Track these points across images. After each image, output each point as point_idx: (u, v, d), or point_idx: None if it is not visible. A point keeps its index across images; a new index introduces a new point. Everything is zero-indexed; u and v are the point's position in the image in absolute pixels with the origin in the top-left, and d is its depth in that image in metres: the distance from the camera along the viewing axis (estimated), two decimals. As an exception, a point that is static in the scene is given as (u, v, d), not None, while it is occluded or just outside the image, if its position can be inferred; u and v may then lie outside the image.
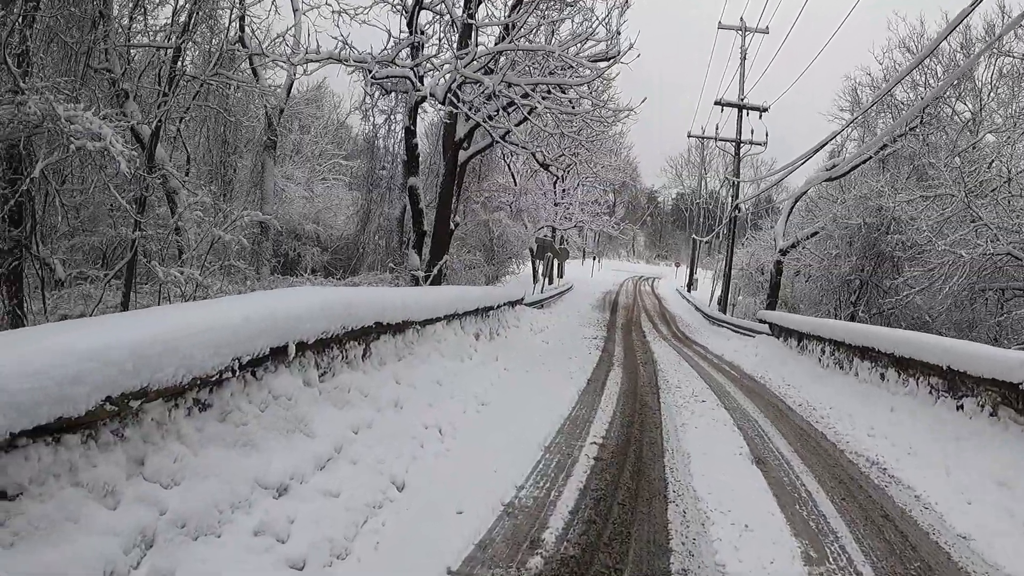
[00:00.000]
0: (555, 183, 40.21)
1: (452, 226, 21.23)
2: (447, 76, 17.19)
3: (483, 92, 17.32)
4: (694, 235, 70.49)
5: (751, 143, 35.00)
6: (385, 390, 8.24)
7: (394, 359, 9.34)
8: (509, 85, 16.48)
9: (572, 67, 17.26)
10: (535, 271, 43.88)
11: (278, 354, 6.24)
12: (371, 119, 27.67)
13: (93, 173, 14.07)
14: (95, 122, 11.33)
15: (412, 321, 10.16)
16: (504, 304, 18.28)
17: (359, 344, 8.29)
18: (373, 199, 28.74)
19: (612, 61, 16.42)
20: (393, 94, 23.07)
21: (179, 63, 16.43)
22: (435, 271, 19.67)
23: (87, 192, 14.78)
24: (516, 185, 37.78)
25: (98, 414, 4.11)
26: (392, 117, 27.84)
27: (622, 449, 8.30)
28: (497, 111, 18.66)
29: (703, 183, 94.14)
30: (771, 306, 28.73)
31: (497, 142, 20.33)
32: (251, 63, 22.08)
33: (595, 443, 8.48)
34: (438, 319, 11.60)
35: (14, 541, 3.55)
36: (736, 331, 27.42)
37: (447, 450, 7.72)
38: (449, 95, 17.26)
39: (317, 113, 37.56)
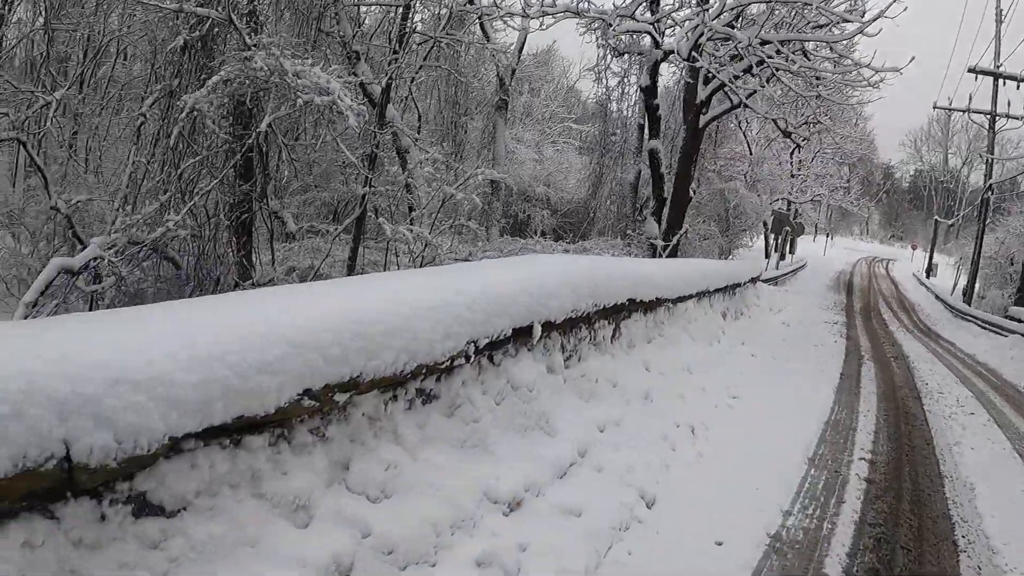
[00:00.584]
0: (792, 153, 37.58)
1: (691, 194, 20.01)
2: (692, 31, 16.00)
3: (731, 49, 16.06)
4: (936, 217, 64.44)
5: (1008, 116, 30.71)
6: (634, 378, 7.30)
7: (643, 341, 8.39)
8: (763, 42, 14.98)
9: (824, 24, 15.52)
10: (767, 245, 41.49)
11: (520, 335, 5.40)
12: (604, 81, 26.72)
13: (325, 130, 14.14)
14: (323, 77, 11.20)
15: (664, 298, 9.22)
16: (747, 281, 16.95)
17: (609, 323, 7.37)
18: (605, 163, 28.02)
19: (879, 14, 14.42)
20: (626, 56, 22.22)
21: (408, 21, 16.24)
22: (674, 241, 18.57)
23: (319, 149, 14.89)
24: (751, 154, 35.69)
25: (293, 411, 3.43)
26: (625, 80, 27.00)
27: (895, 470, 7.07)
28: (742, 71, 17.14)
29: (945, 160, 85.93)
30: (1021, 302, 25.35)
31: (738, 106, 18.82)
32: (481, 24, 21.82)
33: (863, 459, 7.30)
34: (690, 296, 10.61)
35: (169, 570, 2.82)
36: (984, 327, 24.17)
37: (699, 455, 6.59)
38: (694, 52, 16.07)
39: (547, 76, 37.23)
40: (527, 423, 5.24)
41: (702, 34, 15.60)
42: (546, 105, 36.35)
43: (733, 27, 15.51)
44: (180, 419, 2.87)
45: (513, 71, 23.61)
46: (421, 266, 11.84)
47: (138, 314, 4.00)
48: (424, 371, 4.30)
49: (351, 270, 12.38)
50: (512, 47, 23.62)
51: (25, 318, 10.78)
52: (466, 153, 22.75)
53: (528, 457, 4.90)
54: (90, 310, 11.66)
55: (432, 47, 19.48)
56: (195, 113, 11.22)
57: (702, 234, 29.64)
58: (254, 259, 11.99)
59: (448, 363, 4.50)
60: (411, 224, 13.19)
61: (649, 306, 8.67)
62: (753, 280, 18.53)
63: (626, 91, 27.44)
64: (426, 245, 11.93)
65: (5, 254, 15.98)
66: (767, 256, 39.45)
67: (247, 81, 11.06)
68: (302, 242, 13.33)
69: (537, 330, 5.59)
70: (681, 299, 10.20)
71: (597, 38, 20.45)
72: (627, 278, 7.74)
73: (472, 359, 4.77)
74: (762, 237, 43.89)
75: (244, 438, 3.26)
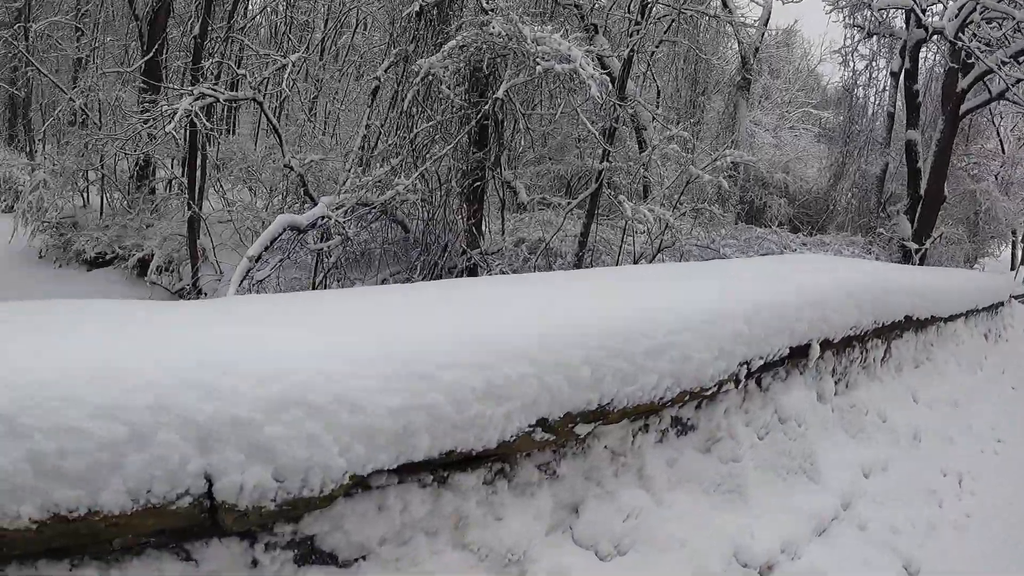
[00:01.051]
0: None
1: (945, 192, 17.96)
2: (961, 8, 14.22)
3: (1005, 29, 14.18)
4: None
5: None
6: (902, 411, 6.15)
7: (911, 365, 7.11)
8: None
9: None
10: (1013, 257, 37.53)
11: (795, 356, 4.50)
12: (850, 65, 24.62)
13: (565, 100, 13.55)
14: (563, 44, 10.58)
15: (938, 316, 7.90)
16: (1007, 298, 14.87)
17: (881, 343, 6.27)
18: (848, 153, 25.93)
19: None
20: (875, 38, 20.40)
21: (650, -10, 15.33)
22: (927, 245, 16.72)
23: (555, 121, 14.31)
24: (1004, 153, 32.16)
25: (520, 446, 2.77)
26: (873, 64, 24.88)
27: None
28: (1010, 57, 15.05)
29: None
30: None
31: (999, 96, 16.74)
32: (723, -1, 20.50)
33: None
34: (960, 314, 9.16)
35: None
36: None
37: (967, 516, 5.30)
38: (960, 32, 14.28)
39: (787, 57, 35.20)
40: (790, 464, 4.31)
41: (973, 10, 13.80)
42: (786, 88, 34.40)
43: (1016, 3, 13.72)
44: (369, 453, 2.27)
45: (756, 49, 22.15)
46: (660, 250, 10.94)
47: (317, 303, 3.40)
48: (687, 397, 3.50)
49: (583, 246, 11.66)
50: (756, 23, 22.19)
51: (247, 272, 10.79)
52: (703, 134, 21.59)
53: (786, 508, 4.03)
54: (315, 268, 11.56)
55: (672, 22, 18.51)
56: (430, 78, 10.90)
57: (949, 238, 27.03)
58: (484, 228, 11.51)
59: (715, 388, 3.67)
60: (649, 204, 12.32)
61: (922, 324, 7.47)
62: (1013, 297, 16.36)
63: (873, 76, 25.37)
64: (666, 227, 10.99)
65: (241, 207, 16.52)
66: (1012, 267, 35.85)
67: (483, 46, 10.67)
68: (533, 214, 12.81)
69: (815, 350, 4.71)
70: (952, 317, 8.83)
71: (844, 17, 18.82)
72: (906, 291, 6.66)
73: (741, 383, 3.96)
74: (1009, 246, 39.84)
75: (452, 475, 2.65)
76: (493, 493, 2.76)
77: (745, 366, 3.87)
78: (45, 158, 19.92)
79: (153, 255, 16.66)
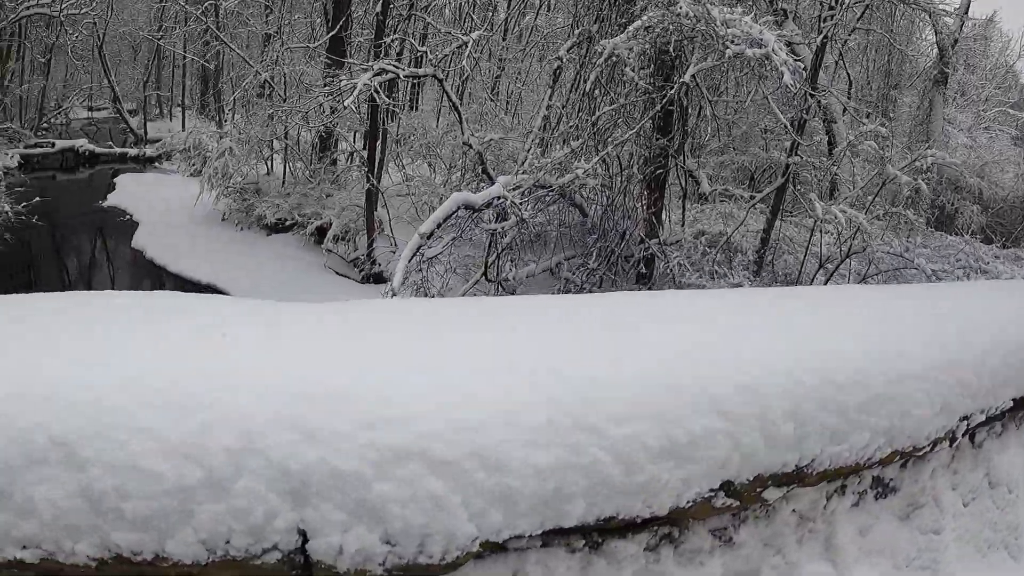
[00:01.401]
0: None
1: None
2: None
3: None
4: None
5: None
6: None
7: None
8: None
9: None
10: None
11: (1017, 408, 3.82)
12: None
13: (756, 87, 12.98)
14: (755, 27, 10.10)
15: None
16: None
17: None
18: (1050, 158, 24.07)
19: None
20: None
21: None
22: None
23: (741, 109, 13.75)
24: None
25: (694, 512, 2.38)
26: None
27: None
28: None
29: None
30: None
31: None
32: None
33: None
34: None
35: None
36: None
37: None
38: None
39: (985, 51, 32.88)
40: (992, 538, 3.68)
41: None
42: (983, 85, 32.15)
43: None
44: (507, 520, 1.96)
45: (955, 41, 20.71)
46: (848, 255, 10.29)
47: (458, 314, 3.08)
48: (896, 456, 3.01)
49: (764, 244, 11.15)
50: (956, 10, 20.73)
51: (418, 249, 10.85)
52: (896, 130, 20.42)
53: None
54: (489, 248, 11.54)
55: (866, 8, 17.49)
56: (613, 59, 10.62)
57: None
58: (663, 217, 11.19)
59: (928, 447, 3.14)
60: (837, 203, 11.66)
61: None
62: None
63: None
64: (857, 231, 10.33)
65: (419, 182, 16.77)
66: None
67: (670, 28, 10.27)
68: (714, 205, 12.35)
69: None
70: None
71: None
72: None
73: (956, 439, 3.37)
74: None
75: (608, 541, 2.30)
76: (655, 562, 2.41)
77: (965, 421, 3.33)
78: (232, 127, 20.82)
79: (331, 224, 17.15)
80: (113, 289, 16.78)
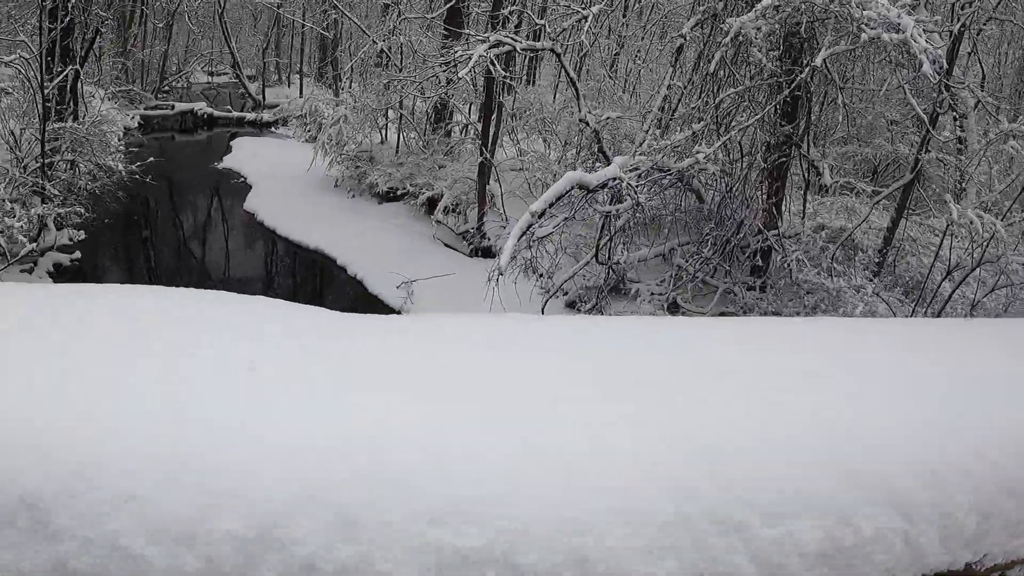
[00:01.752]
0: None
1: None
2: None
3: None
4: None
5: None
6: None
7: None
8: None
9: None
10: None
11: None
12: None
13: (878, 74, 12.41)
14: (892, 10, 9.60)
15: None
16: None
17: None
18: None
19: None
20: None
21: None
22: None
23: (867, 98, 13.21)
24: None
25: None
26: None
27: None
28: None
29: None
30: None
31: None
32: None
33: None
34: None
35: None
36: None
37: None
38: None
39: None
40: None
41: None
42: None
43: None
44: None
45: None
46: (980, 263, 9.74)
47: (582, 341, 2.78)
48: None
49: (887, 243, 10.71)
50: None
51: (529, 227, 10.75)
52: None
53: None
54: (601, 230, 11.37)
55: (1007, -5, 16.54)
56: (740, 39, 10.26)
57: None
58: (783, 207, 10.85)
59: None
60: (963, 203, 11.10)
61: None
62: None
63: None
64: (991, 237, 9.78)
65: (533, 157, 16.69)
66: None
67: (801, 7, 9.88)
68: (835, 199, 11.91)
69: None
70: None
71: None
72: None
73: None
74: None
75: None
76: None
77: None
78: (348, 95, 21.09)
79: (442, 195, 17.23)
80: (227, 248, 17.42)
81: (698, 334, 3.69)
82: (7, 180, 13.87)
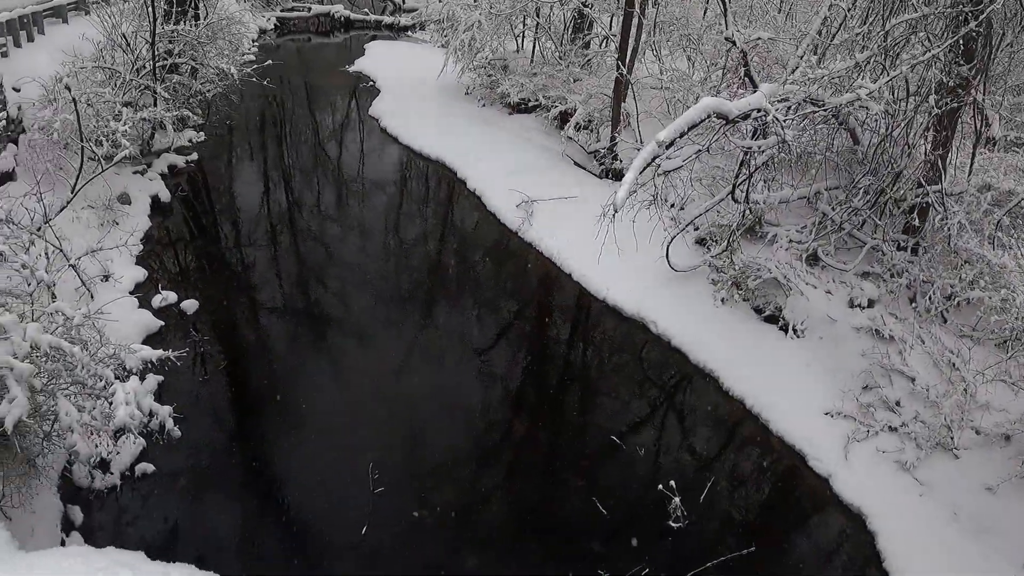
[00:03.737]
0: None
1: None
2: None
3: None
4: None
5: None
6: None
7: None
8: None
9: None
10: None
11: None
12: None
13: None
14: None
15: None
16: None
17: None
18: None
19: None
20: None
21: None
22: None
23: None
24: None
25: None
26: None
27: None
28: None
29: None
30: None
31: None
32: None
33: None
34: None
35: None
36: None
37: None
38: None
39: None
40: None
41: None
42: None
43: None
44: None
45: None
46: None
47: None
48: None
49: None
50: None
51: (654, 159, 9.74)
52: None
53: None
54: (740, 165, 10.39)
55: None
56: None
57: None
58: (947, 161, 9.66)
59: None
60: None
61: None
62: None
63: None
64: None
65: (675, 76, 15.73)
66: None
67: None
68: (1004, 156, 10.54)
69: None
70: None
71: None
72: None
73: None
74: None
75: None
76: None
77: None
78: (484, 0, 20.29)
79: (575, 110, 16.51)
80: (340, 154, 17.14)
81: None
82: (117, 83, 13.84)
